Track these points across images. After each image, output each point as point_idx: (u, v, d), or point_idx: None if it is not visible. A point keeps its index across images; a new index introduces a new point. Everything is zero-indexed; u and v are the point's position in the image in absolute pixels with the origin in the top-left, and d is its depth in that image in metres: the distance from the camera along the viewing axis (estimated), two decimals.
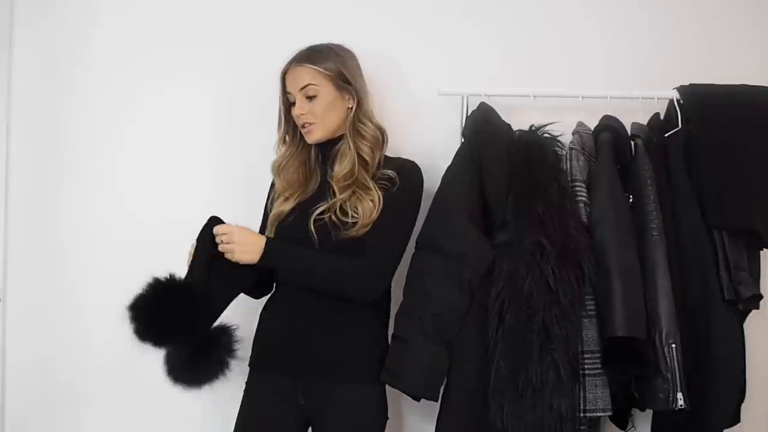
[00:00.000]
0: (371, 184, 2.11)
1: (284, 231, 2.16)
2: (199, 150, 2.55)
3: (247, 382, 2.22)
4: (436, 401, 2.18)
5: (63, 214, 2.56)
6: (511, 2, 2.56)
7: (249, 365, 2.22)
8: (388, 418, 2.17)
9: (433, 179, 2.23)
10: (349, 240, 2.07)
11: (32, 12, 2.56)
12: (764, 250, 2.31)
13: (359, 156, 2.14)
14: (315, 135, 2.16)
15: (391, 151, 2.51)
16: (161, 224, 2.55)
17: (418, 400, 2.18)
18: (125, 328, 2.51)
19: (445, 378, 2.19)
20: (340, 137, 2.18)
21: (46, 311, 2.56)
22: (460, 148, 2.25)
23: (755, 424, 2.44)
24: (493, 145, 2.21)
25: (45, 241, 2.56)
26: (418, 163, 2.18)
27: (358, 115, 2.17)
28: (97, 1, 2.56)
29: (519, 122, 2.30)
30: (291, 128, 2.22)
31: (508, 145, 2.21)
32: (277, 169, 2.24)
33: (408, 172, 2.15)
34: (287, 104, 2.20)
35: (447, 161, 2.24)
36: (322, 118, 2.14)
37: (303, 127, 2.16)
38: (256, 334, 2.23)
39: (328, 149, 2.19)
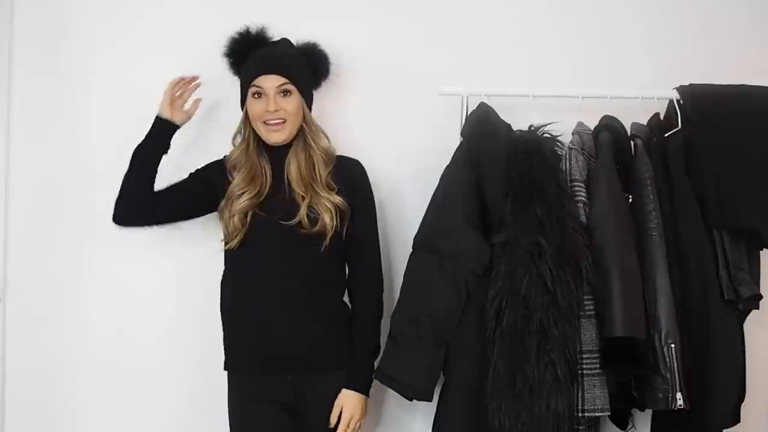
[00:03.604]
0: (327, 187, 2.18)
1: (266, 228, 2.17)
2: (202, 152, 2.54)
3: (231, 387, 2.24)
4: (430, 402, 2.19)
5: (63, 215, 2.56)
6: (511, 2, 2.57)
7: (227, 369, 2.25)
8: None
9: (431, 179, 2.24)
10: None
11: (32, 12, 2.56)
12: (764, 250, 2.31)
13: (315, 155, 2.21)
14: (283, 134, 2.19)
15: (391, 151, 2.52)
16: (161, 224, 2.55)
17: (411, 400, 2.19)
18: (125, 328, 2.56)
19: (439, 379, 2.20)
20: (291, 141, 2.22)
21: (46, 311, 2.56)
22: (458, 148, 2.25)
23: (755, 424, 2.44)
24: (491, 146, 2.21)
25: (45, 241, 2.56)
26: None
27: (311, 118, 2.25)
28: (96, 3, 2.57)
29: (519, 122, 2.30)
30: (247, 125, 2.25)
31: (507, 146, 2.21)
32: (235, 164, 2.24)
33: (361, 175, 2.26)
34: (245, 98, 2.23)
35: (446, 161, 2.24)
36: (293, 118, 2.19)
37: (268, 123, 2.18)
38: (228, 338, 2.25)
39: (279, 150, 2.22)
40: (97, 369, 2.56)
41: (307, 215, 2.14)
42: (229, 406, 2.24)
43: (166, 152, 2.29)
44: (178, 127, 2.30)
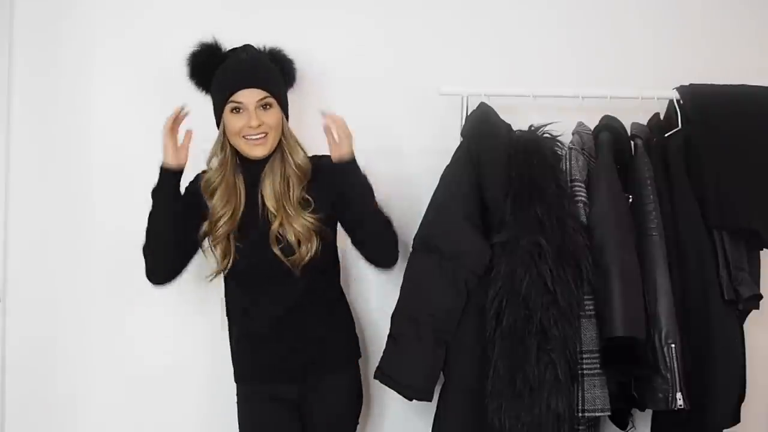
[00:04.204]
0: (300, 206, 2.10)
1: (247, 253, 2.12)
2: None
3: (239, 393, 2.26)
4: (430, 401, 2.19)
5: (63, 214, 2.56)
6: (511, 3, 2.57)
7: (236, 380, 2.26)
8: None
9: (431, 179, 2.24)
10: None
11: (32, 12, 2.56)
12: (764, 250, 2.31)
13: (290, 171, 2.12)
14: (265, 148, 2.10)
15: (391, 152, 2.52)
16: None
17: (411, 400, 2.19)
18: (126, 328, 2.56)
19: (438, 379, 2.20)
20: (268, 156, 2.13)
21: (46, 311, 2.56)
22: (458, 148, 2.25)
23: (755, 424, 2.44)
24: (492, 146, 2.21)
25: (45, 241, 2.56)
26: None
27: (289, 131, 2.16)
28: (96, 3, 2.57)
29: (519, 122, 2.30)
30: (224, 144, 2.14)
31: (508, 146, 2.21)
32: (212, 188, 2.14)
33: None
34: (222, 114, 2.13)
35: (446, 161, 2.24)
36: (274, 131, 2.11)
37: (249, 138, 2.08)
38: (235, 351, 2.26)
39: (254, 166, 2.13)
40: (98, 369, 2.56)
41: (277, 239, 2.08)
42: (237, 409, 2.26)
43: (179, 199, 2.14)
44: (182, 171, 2.13)
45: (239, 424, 2.24)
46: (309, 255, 2.09)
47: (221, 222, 2.11)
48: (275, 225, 2.09)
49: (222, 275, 2.19)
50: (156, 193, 2.12)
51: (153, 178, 2.49)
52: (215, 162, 2.15)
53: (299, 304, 2.15)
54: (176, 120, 2.10)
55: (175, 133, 2.10)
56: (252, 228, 2.13)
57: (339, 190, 2.11)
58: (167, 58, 2.54)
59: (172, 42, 2.54)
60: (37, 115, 2.56)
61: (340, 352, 2.23)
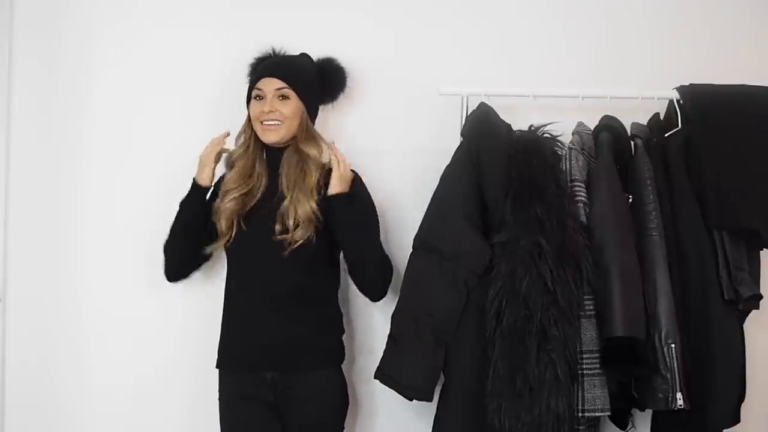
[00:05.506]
0: (311, 192, 2.20)
1: (248, 233, 2.22)
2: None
3: (220, 389, 2.28)
4: (430, 402, 2.19)
5: (63, 214, 2.56)
6: (511, 3, 2.57)
7: (217, 366, 2.28)
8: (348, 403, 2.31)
9: (431, 179, 2.24)
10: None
11: (31, 11, 2.56)
12: (764, 250, 2.31)
13: (306, 162, 2.23)
14: (277, 135, 2.22)
15: (391, 151, 2.53)
16: (162, 225, 2.54)
17: (411, 400, 2.19)
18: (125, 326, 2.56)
19: (439, 379, 2.20)
20: (288, 145, 2.26)
21: (46, 311, 2.56)
22: (458, 148, 2.25)
23: (755, 424, 2.43)
24: (492, 146, 2.21)
25: (45, 241, 2.56)
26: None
27: (308, 126, 2.27)
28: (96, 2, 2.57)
29: (519, 122, 2.29)
30: (249, 127, 2.30)
31: (508, 146, 2.21)
32: (231, 161, 2.30)
33: (358, 185, 2.27)
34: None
35: (446, 161, 2.24)
36: (289, 121, 2.22)
37: (263, 123, 2.22)
38: (221, 334, 2.29)
39: (275, 154, 2.26)
40: (98, 368, 2.56)
41: (281, 219, 2.17)
42: (219, 410, 2.29)
43: (201, 217, 2.29)
44: (210, 189, 2.31)
45: (221, 425, 2.27)
46: (302, 239, 2.15)
47: (229, 197, 2.23)
48: (284, 204, 2.18)
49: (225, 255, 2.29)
50: (184, 205, 2.30)
51: (152, 177, 2.51)
52: (242, 139, 2.30)
53: (288, 293, 2.19)
54: (219, 142, 2.29)
55: (217, 158, 2.29)
56: (263, 208, 2.22)
57: (333, 221, 2.21)
58: (167, 57, 2.55)
59: (172, 41, 2.55)
60: (37, 114, 2.56)
61: (321, 350, 2.23)
